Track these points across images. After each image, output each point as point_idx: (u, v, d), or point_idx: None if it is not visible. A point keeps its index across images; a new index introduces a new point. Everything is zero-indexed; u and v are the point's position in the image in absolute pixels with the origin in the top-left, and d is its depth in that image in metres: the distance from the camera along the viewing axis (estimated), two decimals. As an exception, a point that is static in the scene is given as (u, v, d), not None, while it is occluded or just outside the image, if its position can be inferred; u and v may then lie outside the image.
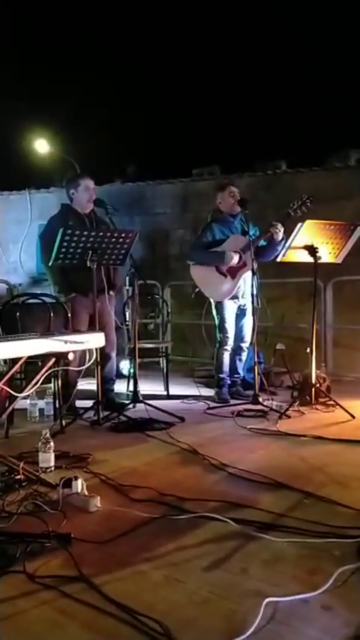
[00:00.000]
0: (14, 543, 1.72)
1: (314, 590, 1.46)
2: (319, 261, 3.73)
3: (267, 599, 1.40)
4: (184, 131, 9.01)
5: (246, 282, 4.16)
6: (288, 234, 3.83)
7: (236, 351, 4.29)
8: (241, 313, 4.26)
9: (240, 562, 1.64)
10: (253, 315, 3.97)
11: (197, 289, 4.24)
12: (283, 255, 3.74)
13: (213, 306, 4.27)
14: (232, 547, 1.74)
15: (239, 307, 4.23)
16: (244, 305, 4.23)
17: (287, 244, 3.69)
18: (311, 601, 1.42)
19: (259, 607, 1.37)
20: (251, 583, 1.52)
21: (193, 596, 1.46)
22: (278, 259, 3.79)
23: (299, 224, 3.59)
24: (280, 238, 3.92)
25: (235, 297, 4.18)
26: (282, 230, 3.92)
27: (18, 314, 3.16)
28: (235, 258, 4.05)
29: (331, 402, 3.73)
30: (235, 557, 1.68)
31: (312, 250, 3.67)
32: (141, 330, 4.67)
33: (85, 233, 3.34)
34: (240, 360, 4.33)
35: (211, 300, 4.28)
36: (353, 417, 3.47)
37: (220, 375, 4.24)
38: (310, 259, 3.72)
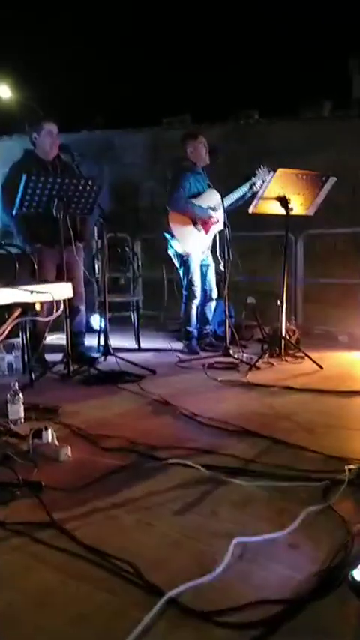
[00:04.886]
0: (-17, 493, 1.71)
1: (282, 529, 1.49)
2: (290, 214, 3.70)
3: (236, 539, 1.43)
4: (154, 78, 8.66)
5: (211, 237, 4.26)
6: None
7: (206, 303, 4.35)
8: (205, 267, 4.32)
9: (210, 505, 1.67)
10: (224, 267, 3.98)
11: (170, 237, 4.20)
12: (255, 207, 3.69)
13: (177, 261, 4.27)
14: (202, 491, 1.76)
15: (201, 262, 4.26)
16: (207, 258, 4.31)
17: (259, 195, 3.64)
18: (279, 540, 1.46)
19: (228, 547, 1.40)
20: (221, 525, 1.55)
21: (164, 538, 1.49)
22: (250, 211, 3.74)
23: (271, 173, 3.54)
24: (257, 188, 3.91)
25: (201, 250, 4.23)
26: (260, 181, 3.91)
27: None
28: (216, 218, 4.11)
29: (301, 354, 3.78)
30: (205, 500, 1.71)
31: (284, 201, 3.63)
32: (111, 285, 4.59)
33: (51, 180, 3.20)
34: (210, 310, 4.40)
35: (173, 255, 4.28)
36: (321, 367, 3.54)
37: (189, 329, 4.27)
38: (282, 211, 3.69)
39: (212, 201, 4.13)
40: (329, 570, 1.30)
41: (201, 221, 4.11)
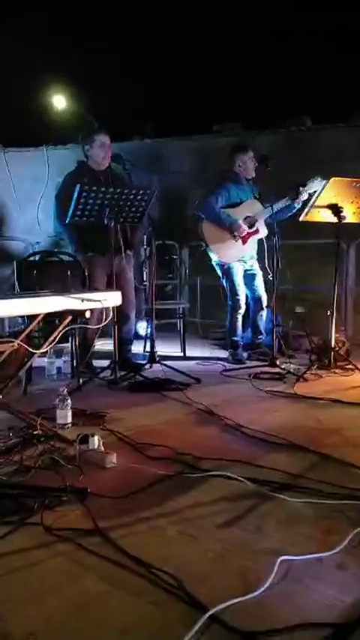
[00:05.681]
0: (32, 496, 1.74)
1: (329, 549, 1.45)
2: (342, 222, 3.63)
3: (281, 558, 1.40)
4: (203, 86, 8.68)
5: (252, 246, 4.22)
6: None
7: (256, 312, 4.31)
8: (251, 276, 4.27)
9: (255, 520, 1.65)
10: (273, 276, 3.93)
11: (204, 247, 4.20)
12: (306, 215, 3.64)
13: (219, 270, 4.25)
14: (247, 506, 1.74)
15: (246, 271, 4.23)
16: (252, 267, 4.26)
17: (310, 203, 3.59)
18: (326, 560, 1.42)
19: (273, 565, 1.37)
20: (266, 541, 1.53)
21: (207, 552, 1.47)
22: (300, 219, 3.70)
23: (324, 181, 3.48)
24: (302, 199, 3.89)
25: (241, 260, 4.20)
26: (307, 193, 3.87)
27: (35, 272, 3.14)
28: (244, 229, 4.07)
29: (350, 366, 3.69)
30: (250, 515, 1.68)
31: (336, 209, 3.56)
32: (158, 292, 4.63)
33: (103, 189, 3.27)
34: (261, 319, 4.35)
35: (215, 265, 4.27)
36: (372, 381, 3.43)
37: (234, 338, 4.25)
38: (334, 219, 3.62)
39: (251, 211, 4.12)
40: (379, 596, 1.25)
41: (238, 232, 4.08)
